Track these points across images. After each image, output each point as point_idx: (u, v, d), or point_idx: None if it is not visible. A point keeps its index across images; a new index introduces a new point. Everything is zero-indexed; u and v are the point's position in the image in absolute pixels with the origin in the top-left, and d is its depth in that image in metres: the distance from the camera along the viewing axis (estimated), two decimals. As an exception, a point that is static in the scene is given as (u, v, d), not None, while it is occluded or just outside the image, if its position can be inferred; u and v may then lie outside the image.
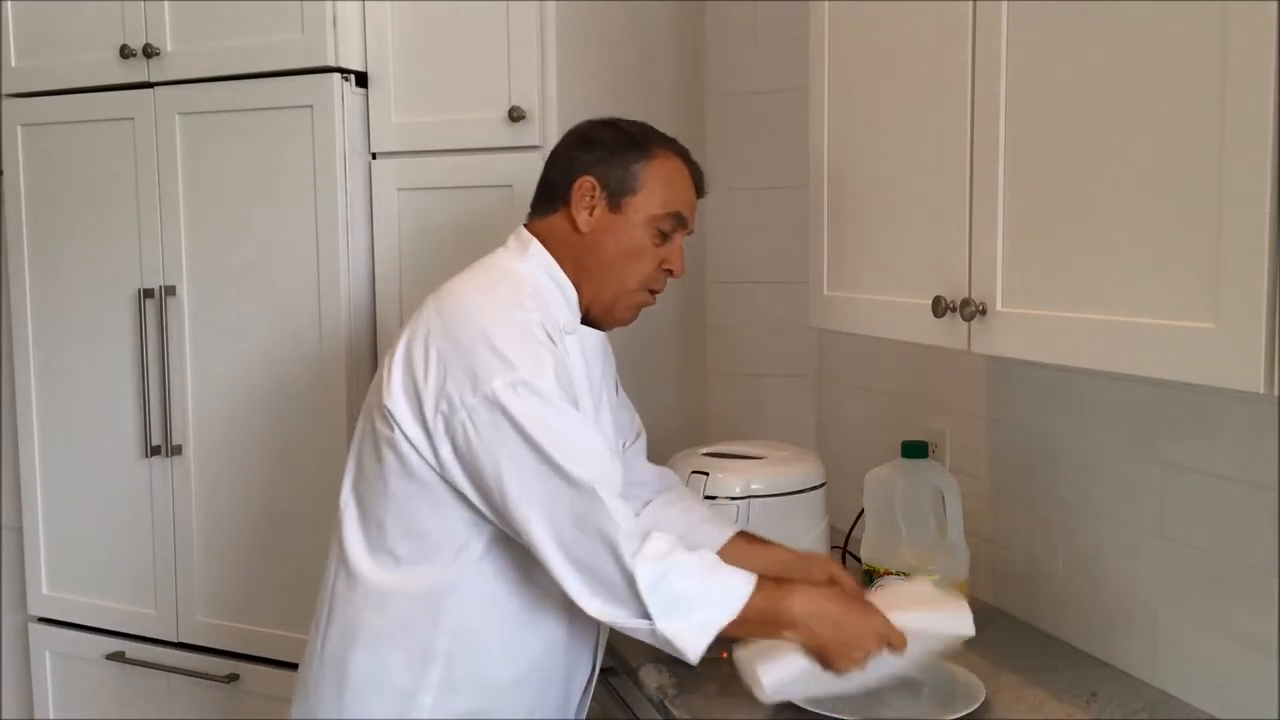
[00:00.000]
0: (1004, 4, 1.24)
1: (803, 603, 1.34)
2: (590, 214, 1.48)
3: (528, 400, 1.32)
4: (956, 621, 1.41)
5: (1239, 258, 0.94)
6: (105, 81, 2.27)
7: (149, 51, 2.20)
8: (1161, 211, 1.04)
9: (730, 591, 1.33)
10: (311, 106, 2.09)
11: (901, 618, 1.37)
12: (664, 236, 1.50)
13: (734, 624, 1.32)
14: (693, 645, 1.31)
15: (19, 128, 2.38)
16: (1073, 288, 1.16)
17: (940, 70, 1.36)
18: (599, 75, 2.17)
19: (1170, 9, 1.02)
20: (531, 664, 1.46)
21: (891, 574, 1.68)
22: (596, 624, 1.49)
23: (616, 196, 1.48)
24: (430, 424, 1.35)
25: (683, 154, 1.54)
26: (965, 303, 1.31)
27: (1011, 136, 1.25)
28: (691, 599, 1.31)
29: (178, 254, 2.24)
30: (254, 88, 2.14)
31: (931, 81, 1.39)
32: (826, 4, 1.67)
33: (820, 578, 1.48)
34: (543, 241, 1.50)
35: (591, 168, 1.48)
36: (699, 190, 1.55)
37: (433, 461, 1.37)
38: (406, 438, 1.37)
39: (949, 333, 1.36)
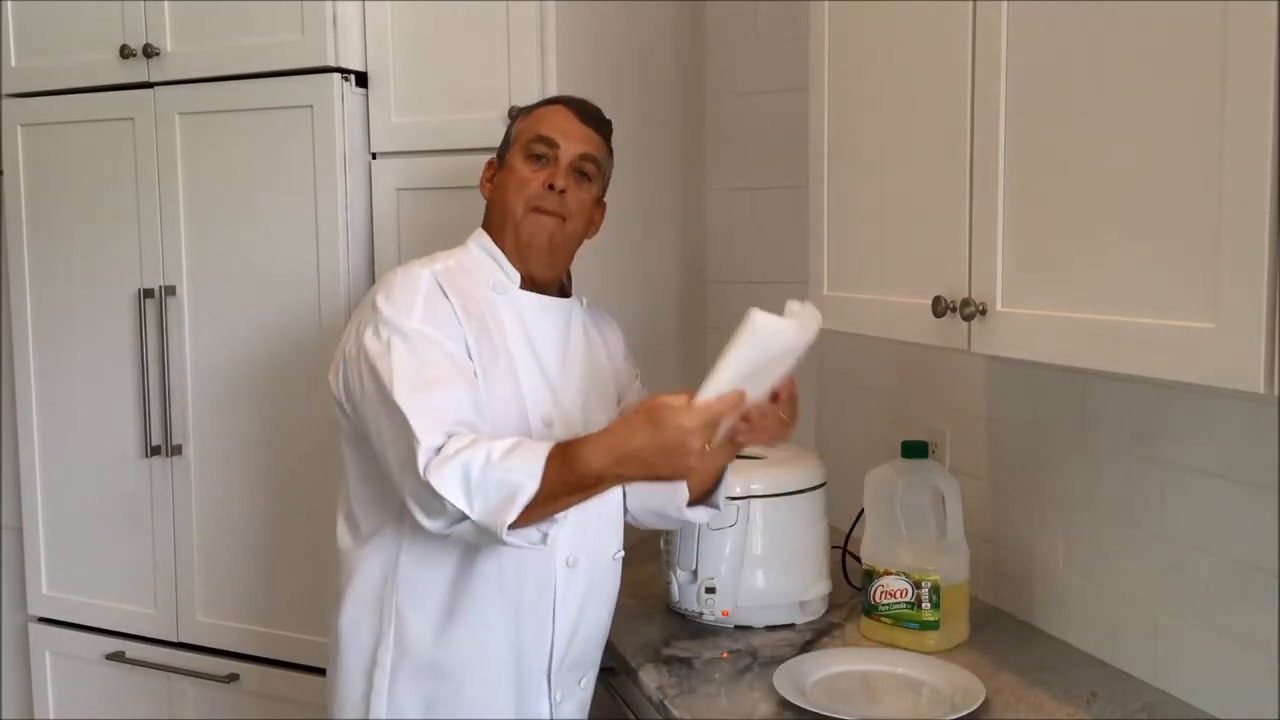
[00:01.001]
0: (1004, 4, 1.24)
1: (599, 452, 1.31)
2: (490, 183, 1.64)
3: (385, 338, 1.43)
4: (761, 328, 1.26)
5: (1239, 258, 0.94)
6: (105, 81, 2.26)
7: (149, 51, 2.20)
8: (1161, 211, 1.04)
9: (525, 466, 1.32)
10: (311, 106, 2.09)
11: (717, 380, 1.28)
12: (540, 160, 1.58)
13: (541, 496, 1.31)
14: (502, 518, 1.30)
15: (19, 128, 2.38)
16: (1073, 288, 1.16)
17: (940, 70, 1.36)
18: (599, 75, 2.17)
19: (1170, 9, 1.02)
20: (474, 626, 1.50)
21: (891, 573, 1.68)
22: (551, 596, 1.53)
23: (501, 158, 1.64)
24: (337, 383, 1.51)
25: (563, 99, 1.65)
26: (965, 303, 1.31)
27: (1011, 136, 1.25)
28: (487, 484, 1.31)
29: (178, 254, 2.24)
30: (254, 88, 2.14)
31: (931, 81, 1.39)
32: (826, 4, 1.67)
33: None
34: (485, 228, 1.63)
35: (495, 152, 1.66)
36: (583, 118, 1.61)
37: (346, 418, 1.51)
38: (339, 405, 1.51)
39: (949, 333, 1.36)
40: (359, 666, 1.53)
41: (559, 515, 1.36)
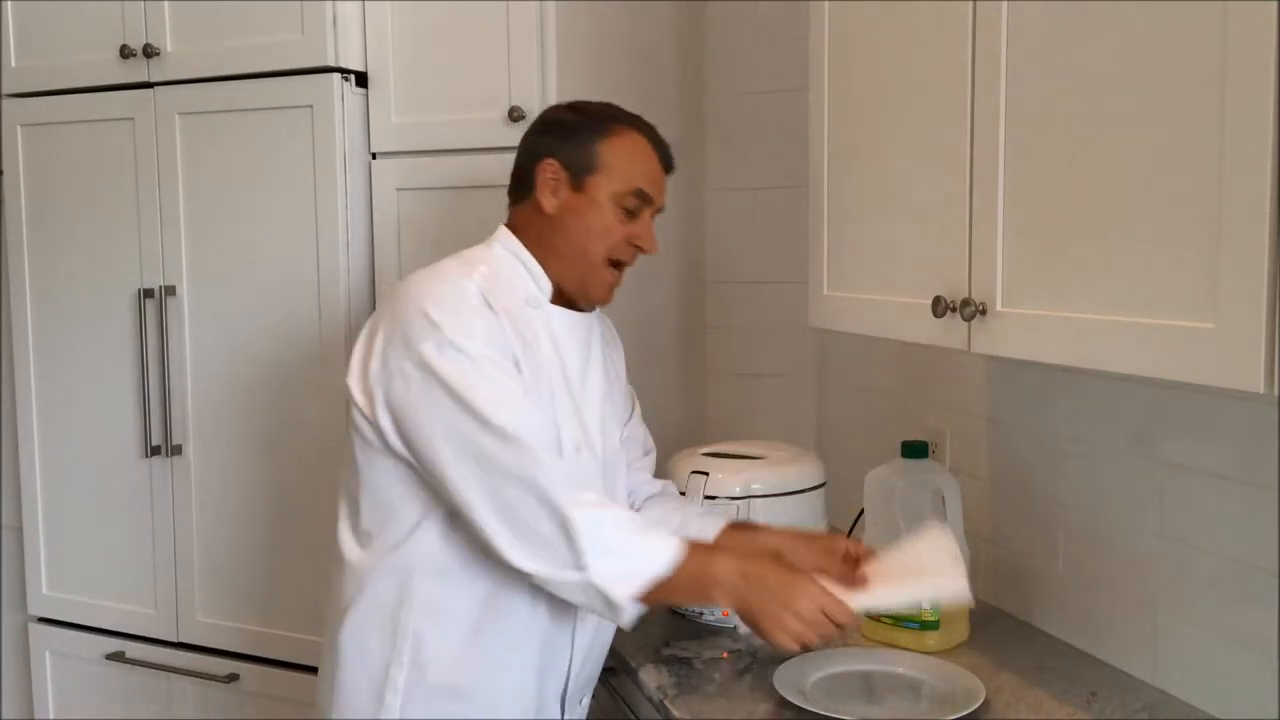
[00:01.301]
0: (1004, 4, 1.24)
1: (730, 565, 1.36)
2: (555, 195, 1.51)
3: (455, 359, 1.36)
4: (944, 591, 1.38)
5: (1239, 258, 0.94)
6: (105, 81, 2.27)
7: (149, 51, 2.20)
8: (1161, 211, 1.04)
9: (662, 548, 1.35)
10: (311, 106, 2.09)
11: (875, 595, 1.35)
12: (629, 214, 1.51)
13: (664, 583, 1.33)
14: (623, 592, 1.32)
15: (19, 128, 2.38)
16: (1073, 288, 1.16)
17: (940, 70, 1.36)
18: (599, 75, 2.17)
19: (1170, 9, 1.02)
20: (500, 648, 1.47)
21: (891, 574, 1.68)
22: (573, 619, 1.51)
23: (579, 176, 1.50)
24: (374, 395, 1.40)
25: (644, 129, 1.56)
26: (965, 303, 1.31)
27: (1011, 136, 1.25)
28: (624, 549, 1.33)
29: (178, 254, 2.24)
30: (254, 88, 2.14)
31: (931, 81, 1.39)
32: (826, 4, 1.67)
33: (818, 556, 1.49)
34: (516, 230, 1.54)
35: (554, 151, 1.51)
36: (666, 166, 1.57)
37: (377, 430, 1.41)
38: (361, 411, 1.42)
39: (949, 333, 1.36)
40: (366, 684, 1.46)
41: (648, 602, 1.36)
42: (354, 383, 1.44)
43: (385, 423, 1.40)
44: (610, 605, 1.33)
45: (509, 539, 1.34)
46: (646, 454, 1.73)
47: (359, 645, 1.47)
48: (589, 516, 1.32)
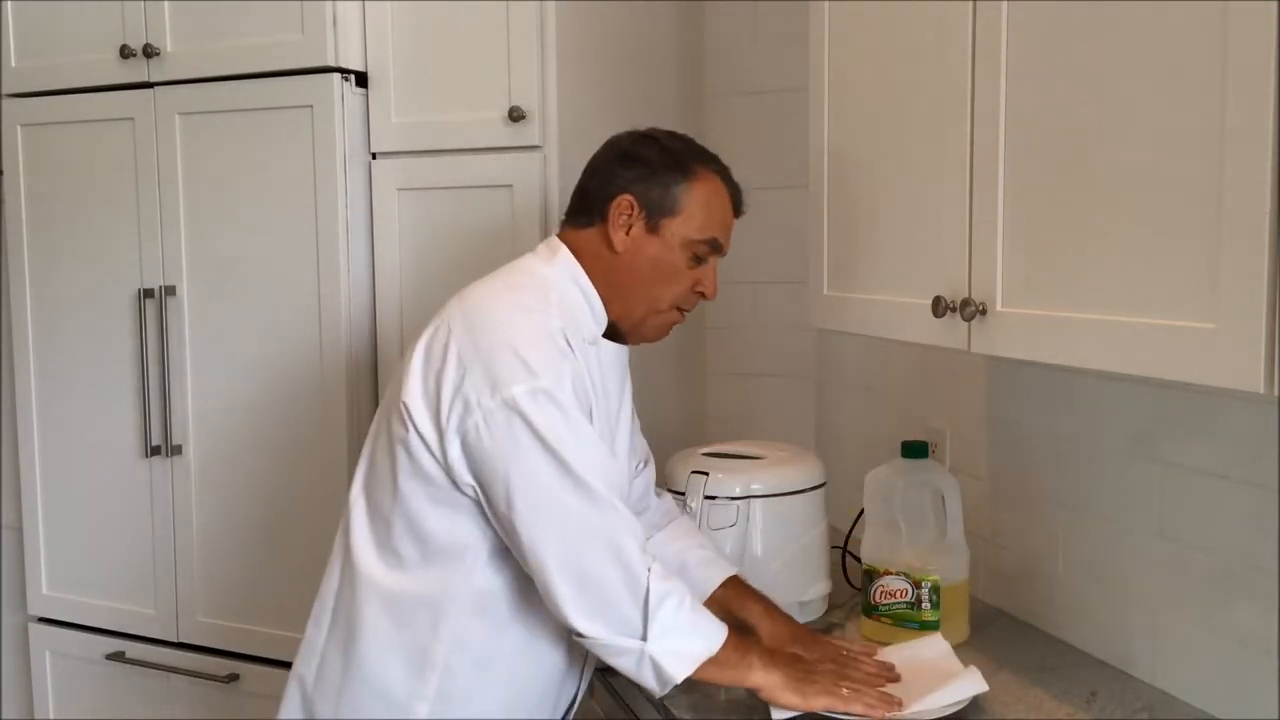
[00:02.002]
0: (1004, 4, 1.24)
1: (764, 651, 1.42)
2: (627, 233, 1.46)
3: (547, 410, 1.31)
4: (967, 690, 1.42)
5: (1239, 258, 0.94)
6: (105, 81, 2.27)
7: (149, 51, 2.20)
8: (1161, 211, 1.04)
9: (713, 629, 1.37)
10: (311, 106, 2.09)
11: (908, 712, 1.38)
12: (698, 260, 1.49)
13: (712, 660, 1.35)
14: (677, 671, 1.33)
15: (19, 128, 2.39)
16: (1073, 288, 1.16)
17: (940, 70, 1.36)
18: (599, 75, 2.17)
19: (1170, 9, 1.02)
20: (527, 685, 1.46)
21: (891, 573, 1.68)
22: (585, 653, 1.51)
23: (655, 217, 1.46)
24: (444, 423, 1.33)
25: (723, 173, 1.52)
26: (965, 303, 1.31)
27: (1011, 136, 1.25)
28: (683, 627, 1.34)
29: (178, 254, 2.24)
30: (254, 88, 2.14)
31: (931, 81, 1.39)
32: (826, 4, 1.67)
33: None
34: (575, 252, 1.49)
35: (631, 185, 1.46)
36: (737, 210, 1.54)
37: (442, 461, 1.34)
38: (420, 435, 1.35)
39: (949, 333, 1.36)
40: (382, 707, 1.42)
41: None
42: (415, 402, 1.35)
43: (455, 457, 1.33)
44: (660, 676, 1.34)
45: (575, 599, 1.32)
46: (646, 463, 1.72)
47: (381, 669, 1.41)
48: (660, 589, 1.33)
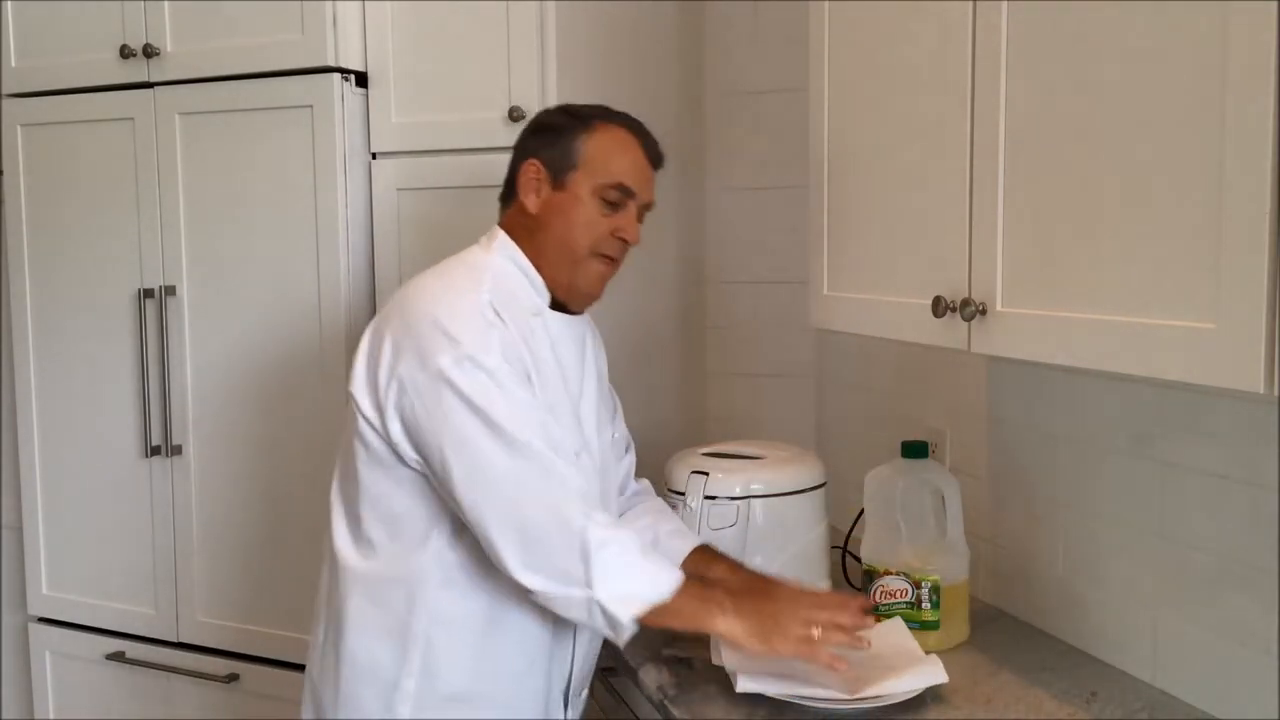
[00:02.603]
0: (1004, 4, 1.24)
1: (727, 598, 1.41)
2: (537, 195, 1.52)
3: (473, 375, 1.36)
4: (928, 679, 1.45)
5: (1239, 258, 0.94)
6: (105, 81, 2.27)
7: (149, 51, 2.20)
8: (1161, 211, 1.04)
9: (665, 576, 1.39)
10: (311, 106, 2.09)
11: (869, 691, 1.40)
12: (613, 206, 1.51)
13: (663, 607, 1.36)
14: (624, 614, 1.34)
15: (19, 128, 2.39)
16: (1073, 288, 1.16)
17: (940, 70, 1.36)
18: (599, 75, 2.17)
19: (1170, 9, 1.02)
20: (510, 653, 1.48)
21: (891, 573, 1.68)
22: (573, 624, 1.51)
23: (559, 174, 1.51)
24: (384, 403, 1.40)
25: (629, 124, 1.55)
26: (965, 303, 1.31)
27: (1011, 136, 1.25)
28: (628, 572, 1.35)
29: (178, 254, 2.24)
30: (254, 88, 2.14)
31: (931, 81, 1.39)
32: (826, 4, 1.67)
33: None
34: (509, 232, 1.55)
35: (537, 151, 1.53)
36: (653, 161, 1.56)
37: (387, 440, 1.41)
38: (368, 420, 1.42)
39: (949, 333, 1.36)
40: (374, 691, 1.46)
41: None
42: (360, 391, 1.43)
43: (397, 434, 1.40)
44: (611, 622, 1.35)
45: (517, 554, 1.35)
46: (627, 450, 1.75)
47: (368, 654, 1.46)
48: (599, 537, 1.34)
